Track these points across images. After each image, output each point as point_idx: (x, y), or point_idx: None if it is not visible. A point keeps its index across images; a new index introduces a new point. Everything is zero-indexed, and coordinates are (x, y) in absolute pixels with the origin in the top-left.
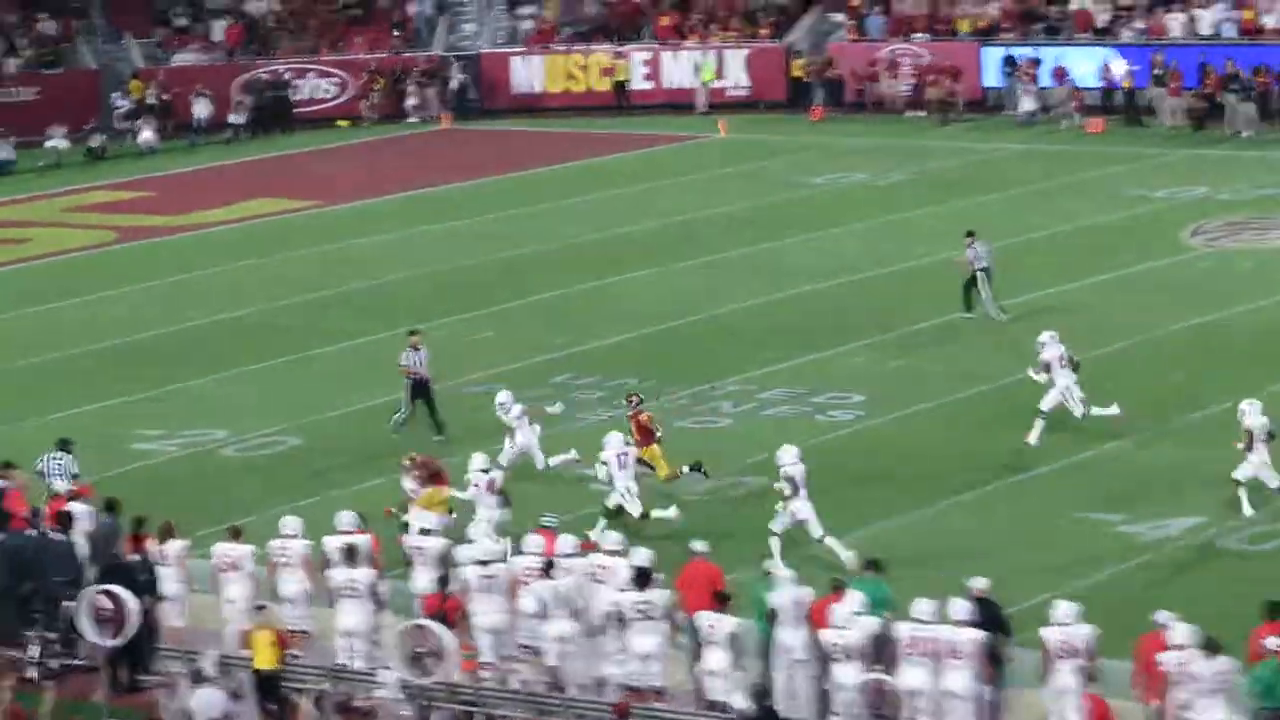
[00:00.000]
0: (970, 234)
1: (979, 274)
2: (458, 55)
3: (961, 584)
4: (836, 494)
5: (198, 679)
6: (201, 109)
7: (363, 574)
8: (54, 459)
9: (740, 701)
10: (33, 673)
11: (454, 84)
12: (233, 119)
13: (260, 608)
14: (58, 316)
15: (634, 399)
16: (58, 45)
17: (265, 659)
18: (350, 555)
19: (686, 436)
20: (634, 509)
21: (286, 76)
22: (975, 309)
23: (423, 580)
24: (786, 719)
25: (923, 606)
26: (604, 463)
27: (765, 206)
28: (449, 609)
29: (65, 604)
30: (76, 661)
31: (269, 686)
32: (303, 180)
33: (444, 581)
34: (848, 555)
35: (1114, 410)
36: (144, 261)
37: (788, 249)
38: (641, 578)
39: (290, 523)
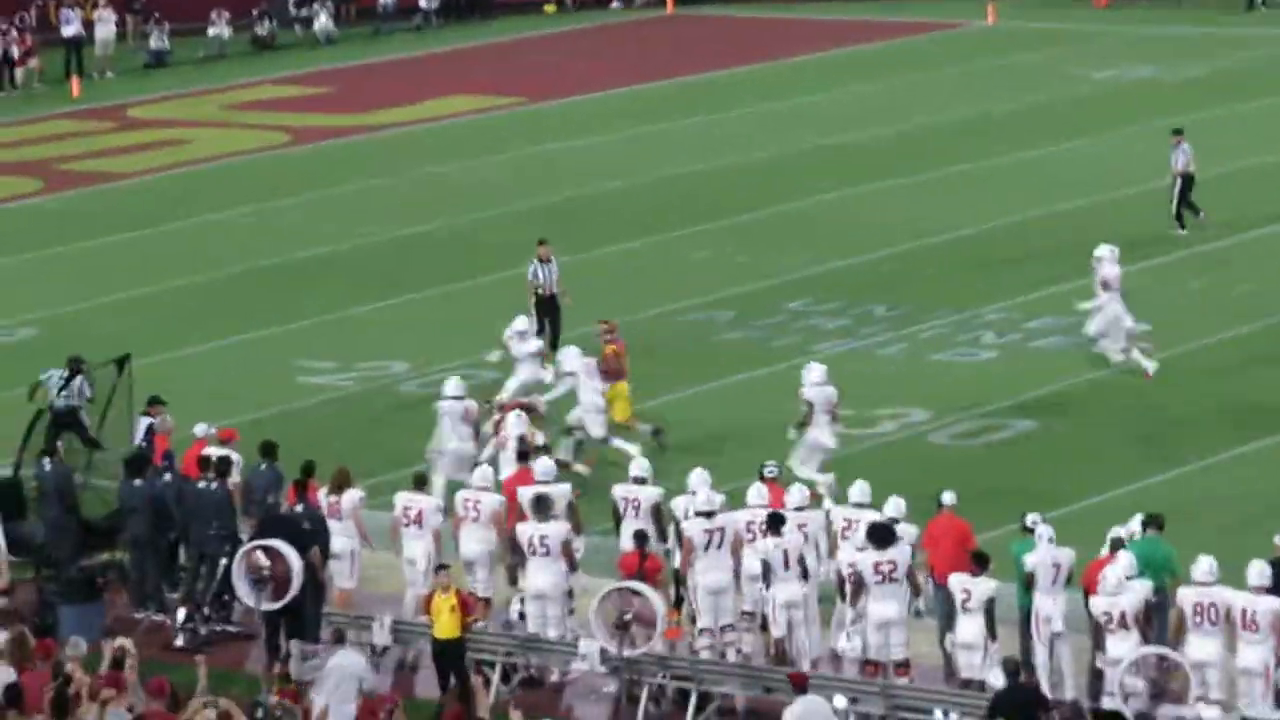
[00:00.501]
0: (1178, 132)
1: (1179, 179)
2: None
3: (1268, 543)
4: (1110, 441)
5: (338, 639)
6: None
7: (554, 529)
8: (60, 375)
9: (997, 679)
10: (180, 640)
11: None
12: (423, 3)
13: (443, 568)
14: (220, 229)
15: (606, 327)
16: None
17: (446, 627)
18: (541, 507)
19: (943, 370)
20: (597, 429)
21: None
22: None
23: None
24: (1050, 699)
25: (1203, 566)
26: (570, 373)
27: (1037, 106)
28: (649, 569)
29: (217, 561)
30: (230, 628)
31: (449, 657)
32: (504, 74)
33: (642, 538)
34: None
35: (1150, 365)
36: (319, 167)
37: (1062, 156)
38: (881, 534)
39: (483, 473)
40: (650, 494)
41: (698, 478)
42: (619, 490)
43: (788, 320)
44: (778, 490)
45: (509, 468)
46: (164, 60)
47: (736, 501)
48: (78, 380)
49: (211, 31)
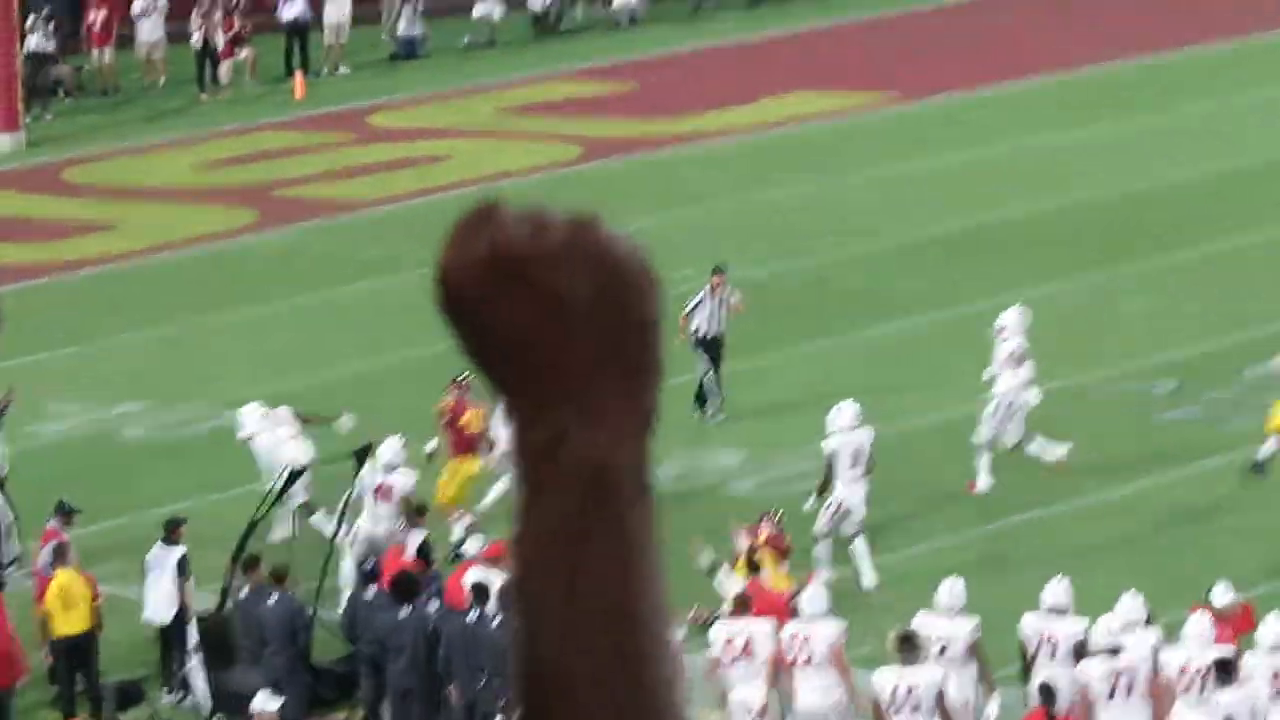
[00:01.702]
0: None
1: None
2: None
3: None
4: None
5: None
6: None
7: (927, 677)
8: None
9: None
10: None
11: None
12: None
13: None
14: None
15: (457, 385)
16: None
17: None
18: (909, 645)
19: None
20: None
21: None
22: None
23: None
24: None
25: None
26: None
27: None
28: None
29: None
30: None
31: None
32: (863, 61)
33: (1049, 694)
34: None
35: (1059, 452)
36: (619, 189)
37: None
38: None
39: (813, 597)
40: (1073, 630)
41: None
42: (1030, 621)
43: (1248, 393)
44: (1228, 620)
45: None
46: (416, 50)
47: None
48: None
49: (478, 11)
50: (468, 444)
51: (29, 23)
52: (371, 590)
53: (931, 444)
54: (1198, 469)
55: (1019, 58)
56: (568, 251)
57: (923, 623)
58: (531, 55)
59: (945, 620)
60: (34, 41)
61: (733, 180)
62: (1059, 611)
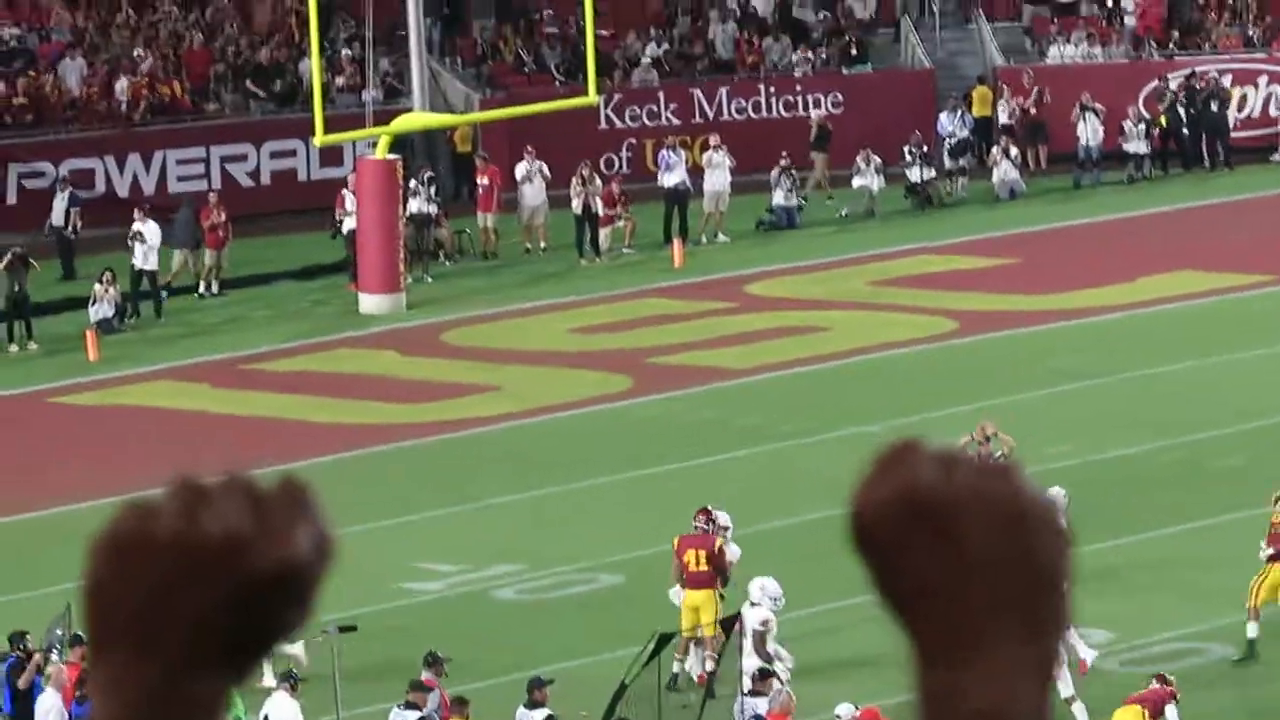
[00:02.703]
0: None
1: None
2: None
3: None
4: None
5: None
6: (1088, 132)
7: None
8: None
9: None
10: None
11: None
12: (1131, 148)
13: None
14: (867, 445)
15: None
16: (865, 31)
17: None
18: None
19: None
20: None
21: (1223, 81)
22: None
23: None
24: None
25: None
26: None
27: None
28: None
29: None
30: None
31: None
32: (1246, 242)
33: None
34: None
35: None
36: (994, 365)
37: None
38: None
39: None
40: None
41: None
42: None
43: None
44: None
45: None
46: (794, 220)
47: None
48: None
49: (857, 182)
50: (697, 581)
51: (411, 185)
52: None
53: None
54: None
55: None
56: (977, 499)
57: None
58: (908, 227)
59: None
60: (415, 204)
61: (1111, 356)
62: None
